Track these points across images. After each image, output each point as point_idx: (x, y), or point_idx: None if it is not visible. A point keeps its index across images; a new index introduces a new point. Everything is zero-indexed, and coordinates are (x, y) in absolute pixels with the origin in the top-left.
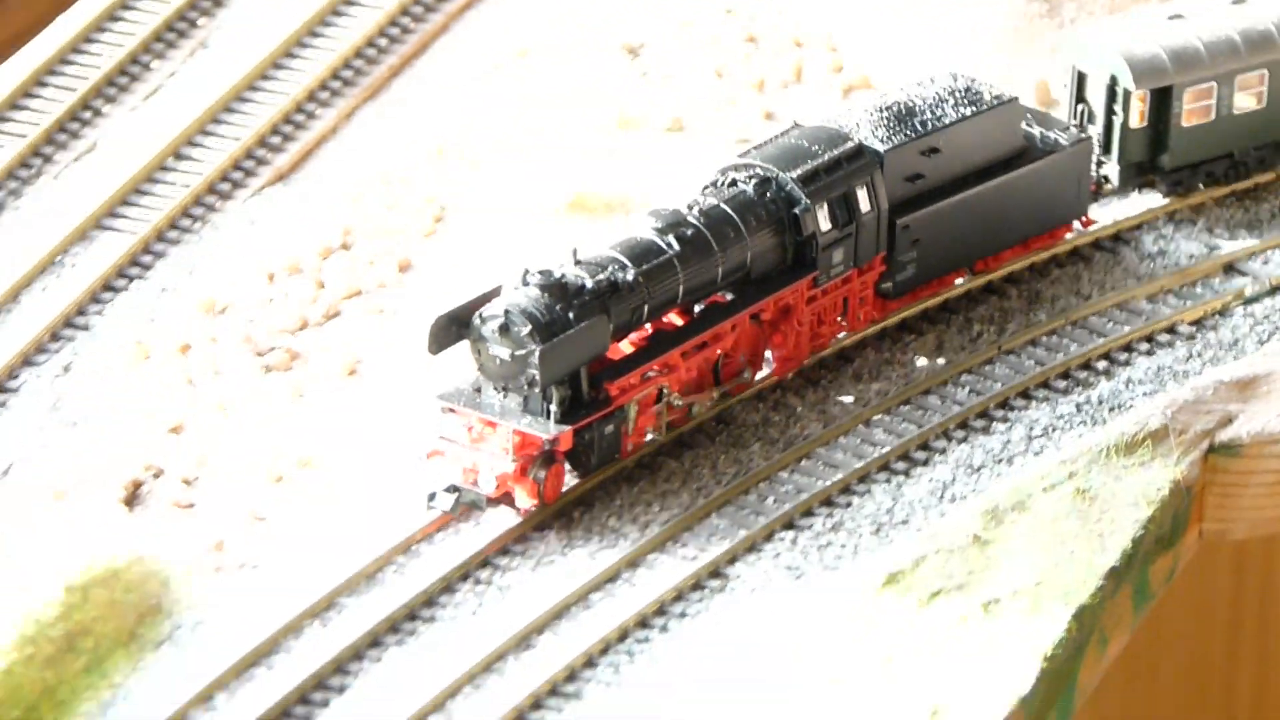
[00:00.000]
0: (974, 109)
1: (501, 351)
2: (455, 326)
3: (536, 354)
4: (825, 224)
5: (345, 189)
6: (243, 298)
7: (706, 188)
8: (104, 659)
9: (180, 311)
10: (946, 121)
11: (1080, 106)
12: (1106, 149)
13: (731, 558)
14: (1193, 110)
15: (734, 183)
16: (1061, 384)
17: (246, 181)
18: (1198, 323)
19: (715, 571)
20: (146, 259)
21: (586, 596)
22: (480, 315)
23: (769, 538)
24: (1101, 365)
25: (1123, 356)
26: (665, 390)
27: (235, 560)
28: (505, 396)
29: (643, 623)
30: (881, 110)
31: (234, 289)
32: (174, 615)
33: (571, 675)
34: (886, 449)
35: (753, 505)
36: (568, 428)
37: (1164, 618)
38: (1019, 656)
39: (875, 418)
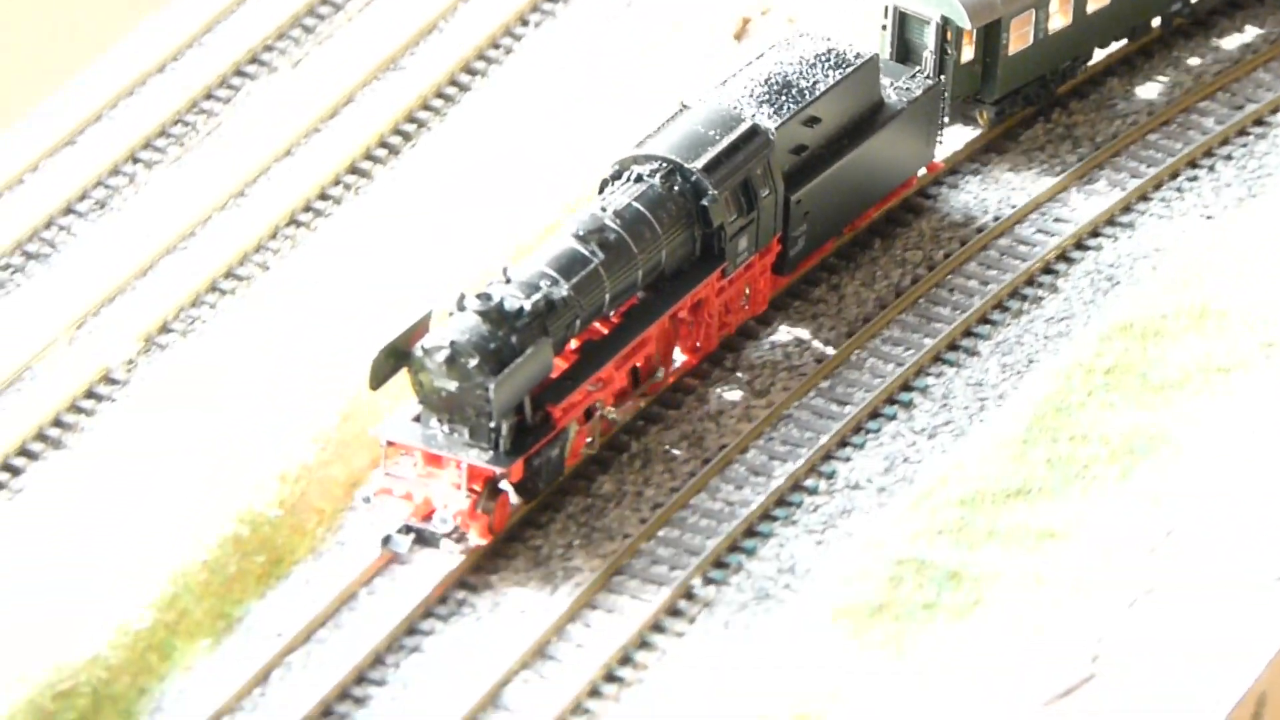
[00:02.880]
0: (841, 72)
1: (448, 384)
2: (394, 358)
3: (491, 388)
4: (731, 213)
5: None
6: None
7: (610, 182)
8: None
9: None
10: (821, 89)
11: (899, 45)
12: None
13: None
14: (1016, 38)
15: (639, 177)
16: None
17: None
18: None
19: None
20: None
21: (549, 642)
22: (422, 347)
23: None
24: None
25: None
26: (600, 404)
27: None
28: (450, 428)
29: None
30: (760, 83)
31: None
32: None
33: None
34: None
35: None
36: (519, 458)
37: None
38: None
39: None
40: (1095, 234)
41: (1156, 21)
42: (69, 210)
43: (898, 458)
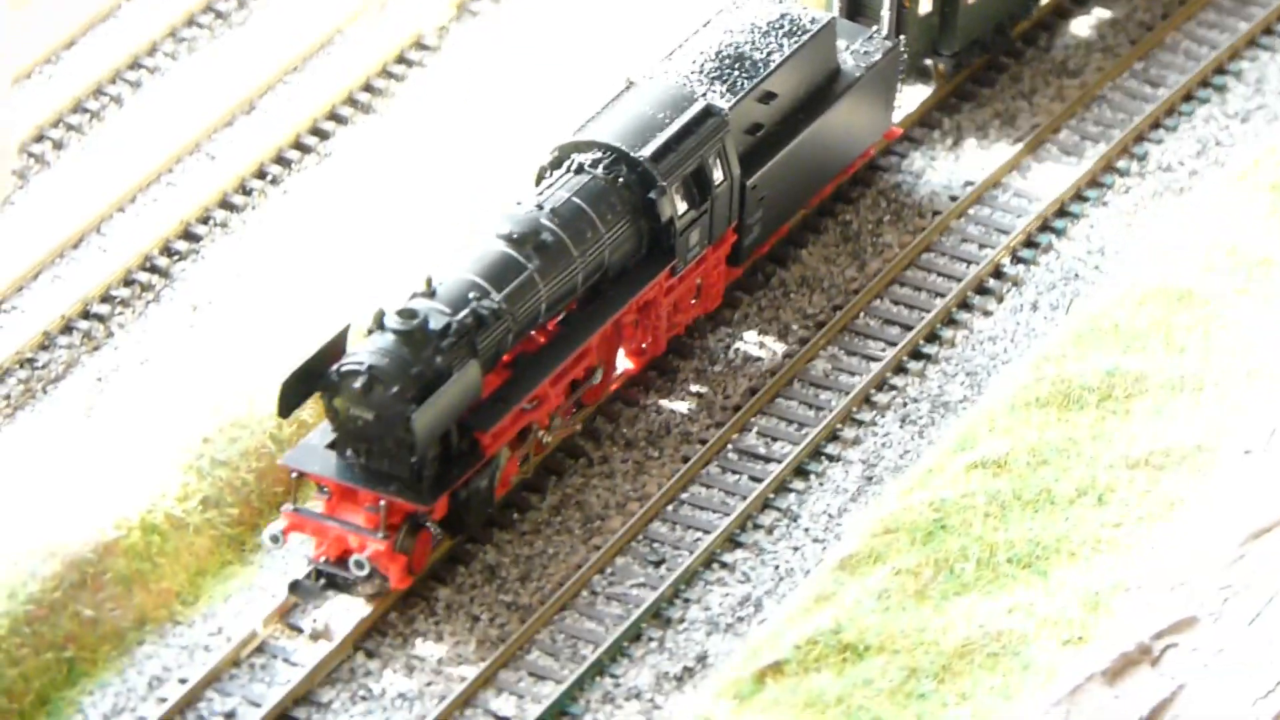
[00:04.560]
0: (797, 40)
1: (364, 413)
2: (306, 382)
3: (412, 420)
4: (681, 205)
5: None
6: None
7: (548, 172)
8: None
9: None
10: (776, 61)
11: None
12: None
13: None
14: None
15: (580, 167)
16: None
17: None
18: None
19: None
20: None
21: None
22: (338, 371)
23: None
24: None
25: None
26: (535, 426)
27: None
28: (367, 458)
29: None
30: (710, 56)
31: None
32: None
33: None
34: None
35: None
36: (443, 492)
37: None
38: None
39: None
40: (1062, 212)
41: None
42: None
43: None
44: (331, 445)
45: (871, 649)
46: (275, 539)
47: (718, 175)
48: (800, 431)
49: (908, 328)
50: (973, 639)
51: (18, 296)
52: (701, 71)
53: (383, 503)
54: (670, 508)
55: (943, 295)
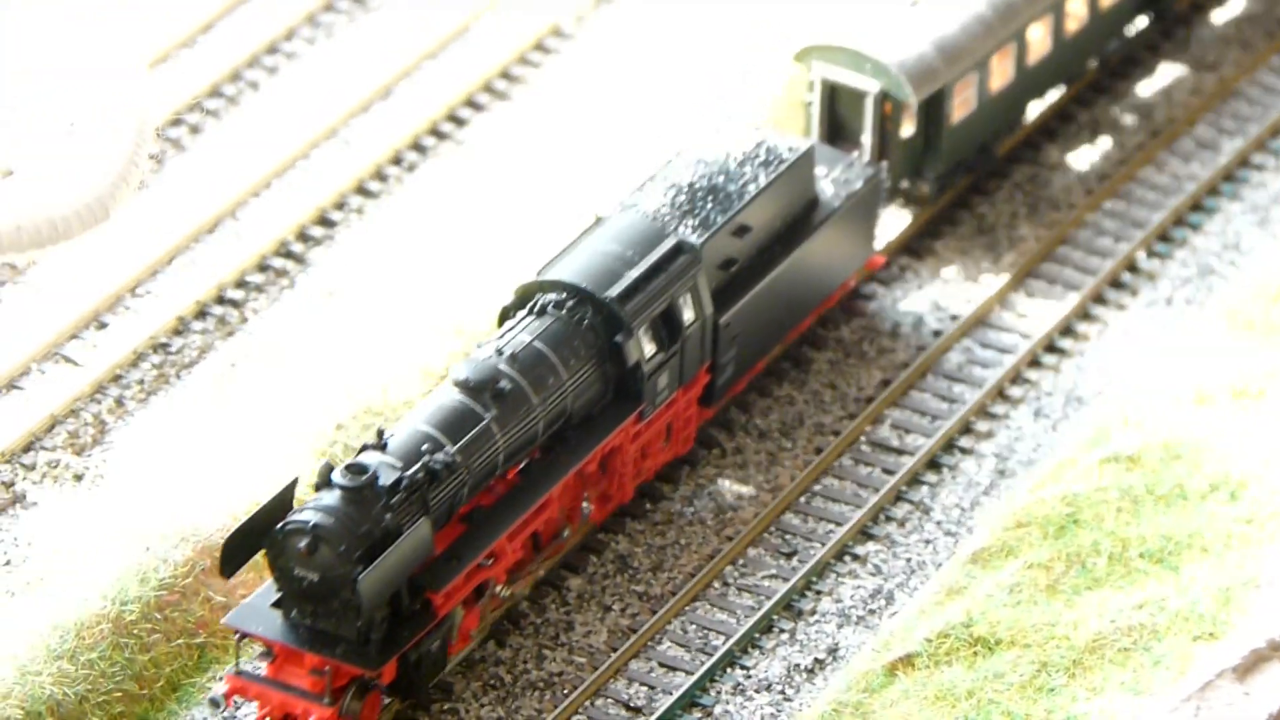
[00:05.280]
0: (773, 170)
1: (309, 573)
2: (251, 540)
3: (358, 582)
4: (649, 348)
5: None
6: None
7: (511, 313)
8: None
9: None
10: (752, 192)
11: (830, 122)
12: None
13: None
14: (960, 104)
15: (543, 309)
16: None
17: None
18: None
19: None
20: None
21: None
22: (283, 529)
23: None
24: None
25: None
26: (492, 583)
27: None
28: (313, 619)
29: None
30: (683, 189)
31: None
32: None
33: None
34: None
35: None
36: (392, 656)
37: None
38: None
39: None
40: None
41: (1093, 62)
42: None
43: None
44: (277, 604)
45: (1002, 643)
46: (216, 703)
47: (689, 314)
48: (933, 424)
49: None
50: (1104, 634)
51: (152, 281)
52: (673, 205)
53: (328, 667)
54: (803, 499)
55: (1077, 289)
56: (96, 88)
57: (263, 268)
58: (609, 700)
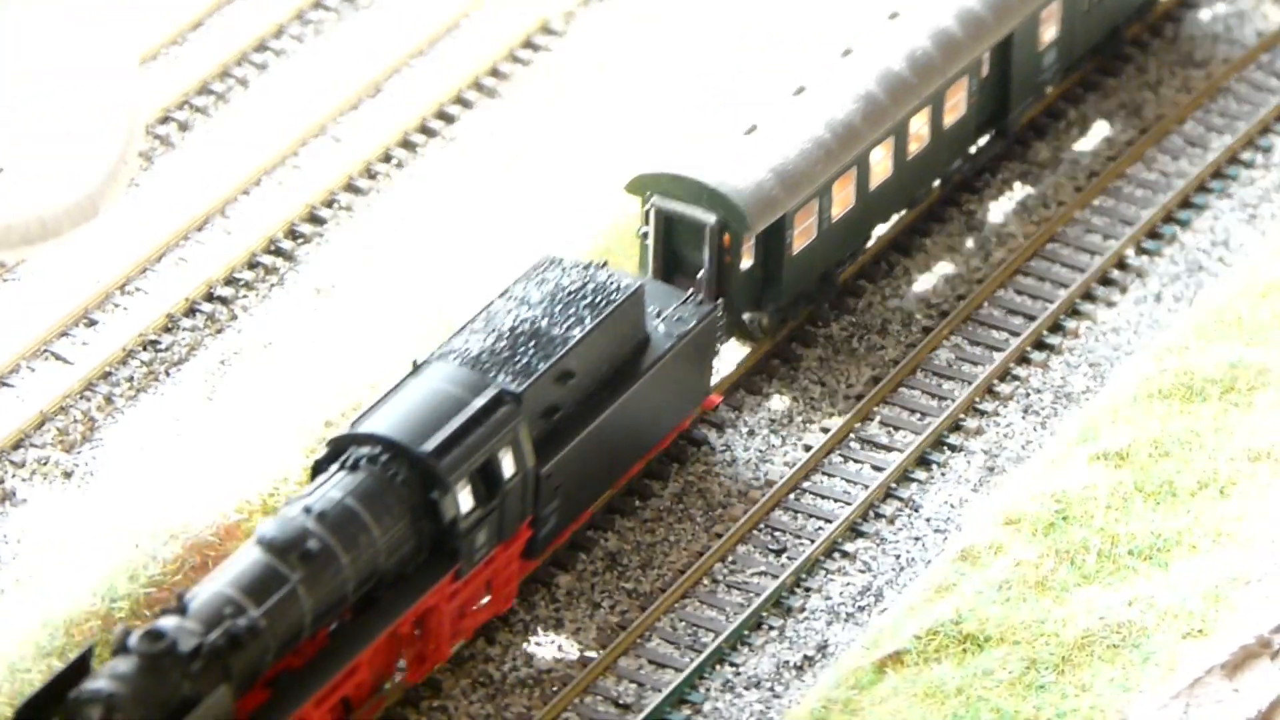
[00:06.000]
0: (600, 312)
1: None
2: (46, 706)
3: None
4: (467, 503)
5: None
6: None
7: (322, 467)
8: None
9: None
10: (575, 336)
11: (665, 255)
12: (712, 299)
13: None
14: (801, 233)
15: (356, 463)
16: None
17: None
18: None
19: None
20: None
21: None
22: (76, 699)
23: None
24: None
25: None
26: None
27: None
28: None
29: None
30: (505, 333)
31: None
32: None
33: None
34: None
35: None
36: None
37: None
38: None
39: None
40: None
41: (936, 183)
42: None
43: None
44: None
45: (992, 640)
46: None
47: (509, 467)
48: (923, 421)
49: (1031, 318)
50: (1093, 631)
51: (142, 278)
52: (493, 351)
53: None
54: (792, 496)
55: (1066, 286)
56: (87, 86)
57: (252, 265)
58: (598, 697)
